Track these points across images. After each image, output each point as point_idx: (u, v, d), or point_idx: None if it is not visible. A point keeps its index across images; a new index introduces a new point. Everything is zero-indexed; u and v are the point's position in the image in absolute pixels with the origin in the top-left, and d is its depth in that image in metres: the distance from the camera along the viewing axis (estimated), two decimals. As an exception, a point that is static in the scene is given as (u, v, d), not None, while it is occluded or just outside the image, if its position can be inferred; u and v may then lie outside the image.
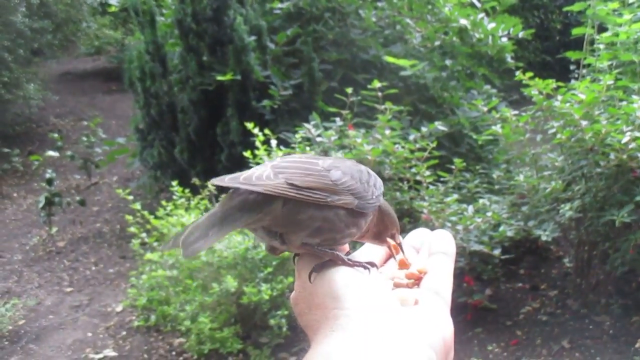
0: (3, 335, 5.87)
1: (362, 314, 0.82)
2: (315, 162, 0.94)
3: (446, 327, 0.84)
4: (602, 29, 5.70)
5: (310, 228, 0.92)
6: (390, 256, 1.03)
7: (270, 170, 0.91)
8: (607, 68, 5.17)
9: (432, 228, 1.07)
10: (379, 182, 1.01)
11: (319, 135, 5.19)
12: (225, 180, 0.89)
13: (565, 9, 7.54)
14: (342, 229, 0.94)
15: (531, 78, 4.89)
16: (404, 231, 1.06)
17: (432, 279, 0.93)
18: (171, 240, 0.88)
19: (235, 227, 0.90)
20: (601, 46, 5.32)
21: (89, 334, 5.82)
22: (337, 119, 5.43)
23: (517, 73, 4.97)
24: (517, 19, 7.17)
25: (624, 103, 4.66)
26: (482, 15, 6.88)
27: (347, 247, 0.99)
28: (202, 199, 5.29)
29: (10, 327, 5.98)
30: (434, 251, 0.98)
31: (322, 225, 0.92)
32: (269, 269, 4.80)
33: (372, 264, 0.93)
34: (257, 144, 4.97)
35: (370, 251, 1.02)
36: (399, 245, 1.04)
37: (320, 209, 0.92)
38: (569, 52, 5.78)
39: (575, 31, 5.85)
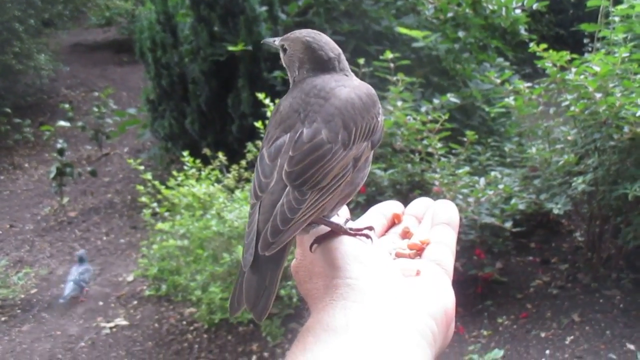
0: (15, 304, 5.93)
1: (363, 284, 0.81)
2: (321, 139, 0.89)
3: (448, 298, 0.84)
4: (617, 1, 5.61)
5: (337, 202, 0.91)
6: (392, 225, 1.02)
7: (290, 188, 0.87)
8: (622, 41, 5.09)
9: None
10: (370, 92, 0.98)
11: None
12: (269, 247, 0.84)
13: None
14: (364, 176, 0.95)
15: (545, 50, 4.83)
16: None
17: (434, 250, 0.92)
18: (233, 306, 0.91)
19: (283, 262, 0.87)
20: (616, 19, 5.24)
21: (100, 303, 5.87)
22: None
23: (531, 45, 4.90)
24: (532, -9, 7.07)
25: (639, 76, 4.60)
26: (496, -14, 6.80)
27: (348, 214, 0.98)
28: (212, 169, 5.29)
29: (23, 296, 6.05)
30: (437, 222, 0.97)
31: (349, 191, 0.92)
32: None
33: (370, 228, 0.92)
34: (268, 114, 4.95)
35: (370, 219, 1.01)
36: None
37: (348, 181, 0.91)
38: (583, 24, 5.69)
39: (590, 3, 5.75)
